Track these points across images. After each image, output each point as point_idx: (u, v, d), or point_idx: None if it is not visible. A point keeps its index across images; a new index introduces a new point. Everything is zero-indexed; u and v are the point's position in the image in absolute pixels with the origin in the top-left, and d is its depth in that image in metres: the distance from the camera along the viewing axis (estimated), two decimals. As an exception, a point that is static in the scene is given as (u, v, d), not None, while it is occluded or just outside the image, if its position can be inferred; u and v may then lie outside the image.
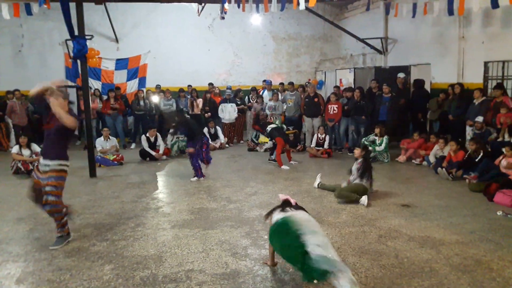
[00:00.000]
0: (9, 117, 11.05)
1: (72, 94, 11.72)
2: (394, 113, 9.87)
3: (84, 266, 4.17)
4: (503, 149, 6.84)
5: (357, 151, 6.70)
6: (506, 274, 3.88)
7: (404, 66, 11.23)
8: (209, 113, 11.65)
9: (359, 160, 6.57)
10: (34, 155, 8.36)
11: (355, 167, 6.60)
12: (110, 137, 9.78)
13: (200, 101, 12.00)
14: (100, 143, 9.45)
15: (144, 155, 9.77)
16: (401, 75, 10.77)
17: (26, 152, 8.38)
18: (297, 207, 3.93)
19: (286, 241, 3.43)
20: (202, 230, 5.14)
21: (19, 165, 8.24)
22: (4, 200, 6.61)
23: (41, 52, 13.11)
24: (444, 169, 7.62)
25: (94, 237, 4.93)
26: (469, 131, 8.61)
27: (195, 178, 7.72)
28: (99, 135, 10.10)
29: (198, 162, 7.72)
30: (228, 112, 11.78)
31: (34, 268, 4.14)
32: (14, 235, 5.05)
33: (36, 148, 8.51)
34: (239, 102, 12.08)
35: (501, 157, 6.88)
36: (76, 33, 7.85)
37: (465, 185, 7.03)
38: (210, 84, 12.92)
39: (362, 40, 12.35)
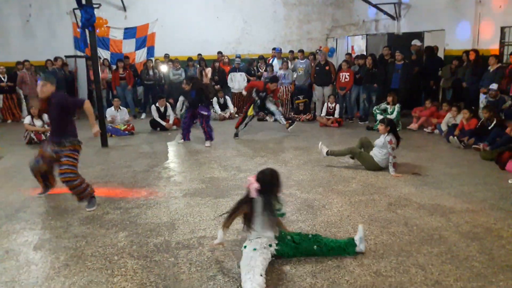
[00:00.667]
0: (20, 88, 11.12)
1: (81, 64, 11.76)
2: (407, 81, 9.70)
3: (98, 233, 4.28)
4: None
5: (381, 127, 6.12)
6: (516, 242, 3.90)
7: (417, 32, 10.94)
8: (218, 85, 11.56)
9: (387, 137, 6.03)
10: (46, 125, 8.45)
11: (381, 141, 6.16)
12: (121, 107, 9.81)
13: (209, 70, 11.95)
14: (111, 113, 9.49)
15: (154, 125, 9.82)
16: (416, 42, 10.49)
17: (38, 122, 8.47)
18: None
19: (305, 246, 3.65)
20: (213, 199, 5.21)
21: (32, 135, 8.35)
22: (19, 169, 6.73)
23: (49, 22, 13.02)
24: (455, 137, 7.55)
25: (107, 206, 5.03)
26: (482, 99, 8.46)
27: (208, 142, 8.17)
28: (109, 105, 10.14)
29: (189, 126, 8.40)
30: (237, 81, 11.69)
31: (51, 235, 4.26)
32: (30, 203, 5.17)
33: (47, 118, 8.58)
34: (253, 72, 11.94)
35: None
36: (83, 2, 7.75)
37: (476, 154, 6.97)
38: (219, 52, 12.78)
39: (375, 6, 12.02)
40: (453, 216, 4.50)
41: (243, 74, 11.72)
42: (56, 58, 11.63)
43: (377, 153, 6.21)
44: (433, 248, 3.80)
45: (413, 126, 9.10)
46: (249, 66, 12.05)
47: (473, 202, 4.89)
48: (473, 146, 7.12)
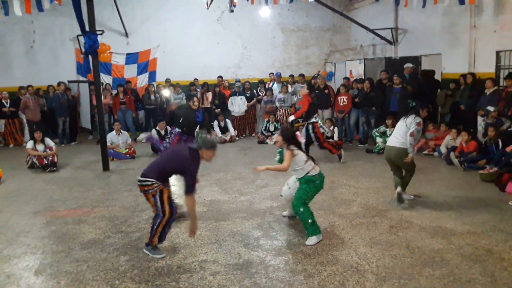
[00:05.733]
0: (22, 113, 11.21)
1: (84, 89, 11.91)
2: (405, 104, 9.79)
3: (100, 257, 4.27)
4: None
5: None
6: (518, 264, 3.90)
7: (414, 56, 11.12)
8: (218, 109, 11.67)
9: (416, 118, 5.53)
10: (47, 150, 8.49)
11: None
12: (122, 131, 9.89)
13: (209, 94, 12.10)
14: (112, 138, 9.55)
15: (155, 149, 9.85)
16: (409, 65, 10.69)
17: (40, 147, 8.51)
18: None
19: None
20: (214, 222, 5.21)
21: (34, 160, 8.38)
22: (21, 194, 6.75)
23: (52, 48, 13.23)
24: (457, 159, 7.58)
25: (108, 230, 5.04)
26: (480, 121, 8.54)
27: None
28: (111, 129, 10.21)
29: None
30: (237, 105, 11.82)
31: (52, 260, 4.25)
32: (31, 228, 5.17)
33: (49, 143, 8.64)
34: (248, 95, 12.09)
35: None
36: (87, 28, 7.93)
37: (476, 176, 6.99)
38: (219, 77, 12.96)
39: (372, 31, 12.25)
40: (455, 238, 4.51)
41: (243, 97, 11.86)
42: (59, 83, 11.78)
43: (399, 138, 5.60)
44: (435, 271, 3.80)
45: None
46: (243, 89, 12.10)
47: (474, 224, 4.90)
48: (480, 172, 7.02)
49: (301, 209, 4.45)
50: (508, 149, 6.87)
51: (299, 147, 4.63)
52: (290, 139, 4.57)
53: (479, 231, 4.69)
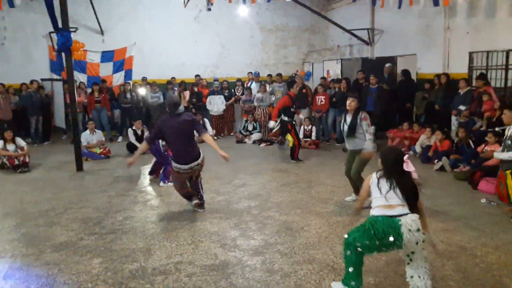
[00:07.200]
0: (-8, 112, 10.85)
1: (58, 87, 11.62)
2: (381, 103, 9.93)
3: (72, 260, 4.15)
4: (486, 137, 6.93)
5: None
6: (489, 260, 3.98)
7: (390, 56, 11.28)
8: (193, 109, 11.59)
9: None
10: (19, 150, 8.24)
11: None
12: (96, 130, 9.70)
13: (187, 93, 11.99)
14: (86, 137, 9.35)
15: (131, 148, 9.69)
16: (388, 64, 10.86)
17: (11, 147, 8.24)
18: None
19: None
20: (191, 222, 5.15)
21: (5, 160, 8.12)
22: (-10, 195, 6.53)
23: (24, 45, 12.86)
24: (447, 159, 7.66)
25: (82, 231, 4.91)
26: (454, 121, 8.72)
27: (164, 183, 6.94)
28: (85, 128, 9.99)
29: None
30: (216, 104, 11.76)
31: (22, 263, 4.11)
32: (0, 230, 5.00)
33: (21, 142, 8.37)
34: (226, 94, 12.05)
35: (483, 145, 6.99)
36: (60, 25, 7.73)
37: (450, 174, 7.14)
38: (197, 75, 12.86)
39: (349, 31, 12.36)
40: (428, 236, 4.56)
41: (222, 97, 11.80)
42: (32, 81, 11.46)
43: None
44: (410, 268, 3.83)
45: (388, 147, 9.27)
46: (221, 89, 12.10)
47: (448, 222, 4.98)
48: (457, 168, 7.16)
49: (347, 252, 3.34)
50: (479, 149, 7.02)
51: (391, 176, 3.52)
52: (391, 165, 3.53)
53: (452, 228, 4.77)
